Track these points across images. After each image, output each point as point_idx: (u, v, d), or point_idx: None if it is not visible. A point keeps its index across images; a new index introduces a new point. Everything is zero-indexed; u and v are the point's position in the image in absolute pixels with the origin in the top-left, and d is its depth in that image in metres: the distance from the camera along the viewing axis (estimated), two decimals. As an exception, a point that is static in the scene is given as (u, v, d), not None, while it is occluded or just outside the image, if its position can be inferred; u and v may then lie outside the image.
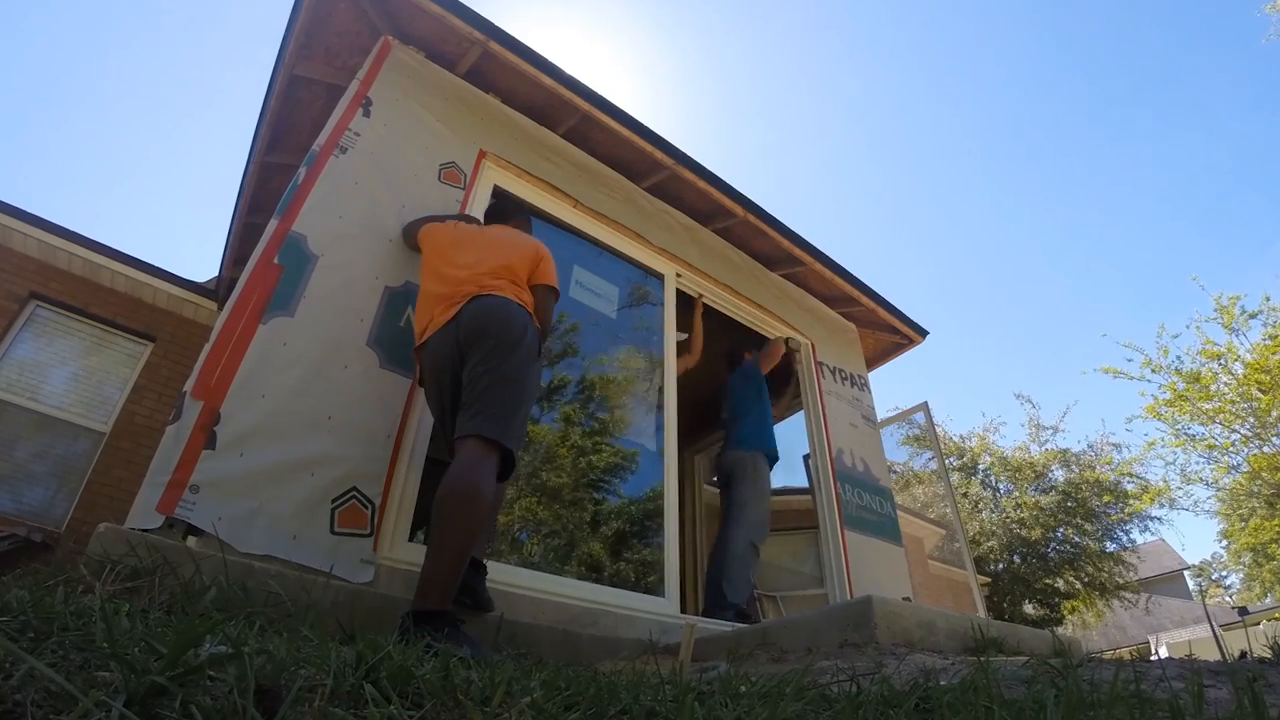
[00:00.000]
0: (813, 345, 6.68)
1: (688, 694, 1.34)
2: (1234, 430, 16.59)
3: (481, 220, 4.31)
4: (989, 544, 20.28)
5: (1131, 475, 19.75)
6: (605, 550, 4.77)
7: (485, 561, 3.28)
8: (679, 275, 5.75)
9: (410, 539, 3.36)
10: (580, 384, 5.07)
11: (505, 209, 4.23)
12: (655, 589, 4.38)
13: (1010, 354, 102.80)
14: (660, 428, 5.04)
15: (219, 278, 8.15)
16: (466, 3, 4.49)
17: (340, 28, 4.56)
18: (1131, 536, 20.50)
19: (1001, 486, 22.27)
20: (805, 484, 6.49)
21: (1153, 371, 17.18)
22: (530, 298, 3.32)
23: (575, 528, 4.72)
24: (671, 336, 5.39)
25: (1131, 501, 19.46)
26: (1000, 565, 20.36)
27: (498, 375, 2.85)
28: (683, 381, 5.35)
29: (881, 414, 7.46)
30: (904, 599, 4.12)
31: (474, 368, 2.89)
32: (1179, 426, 17.33)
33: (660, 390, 5.18)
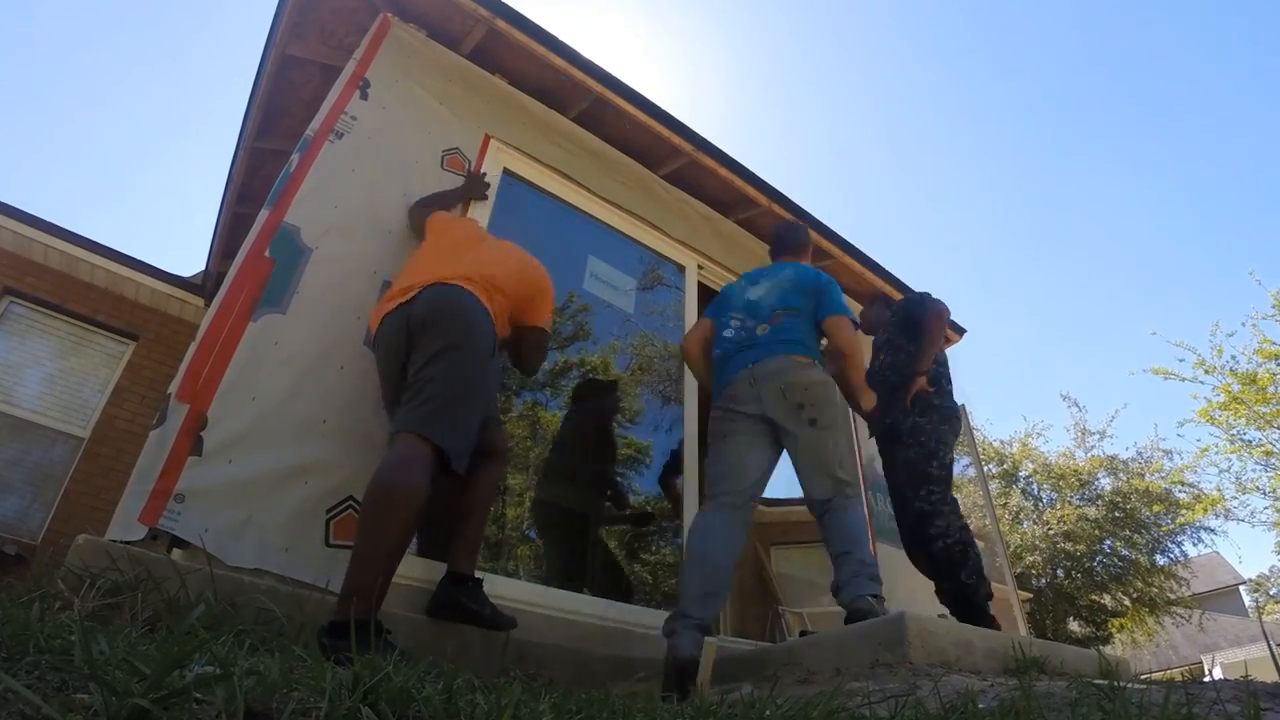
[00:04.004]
0: (842, 344, 6.64)
1: (707, 718, 1.34)
2: (1293, 436, 16.43)
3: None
4: (1031, 558, 20.18)
5: (1183, 483, 19.57)
6: (621, 552, 4.79)
7: (478, 574, 3.11)
8: (701, 268, 5.77)
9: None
10: (589, 375, 5.11)
11: None
12: (672, 604, 4.38)
13: (1055, 354, 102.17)
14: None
15: (206, 272, 8.19)
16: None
17: (336, 4, 4.56)
18: (1183, 549, 20.36)
19: (1044, 496, 22.15)
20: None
21: (1206, 372, 16.99)
22: (503, 307, 3.25)
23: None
24: (693, 329, 5.37)
25: (1183, 512, 19.29)
26: (1043, 580, 20.24)
27: (443, 372, 2.77)
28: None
29: (915, 418, 7.43)
30: (939, 616, 4.11)
31: (422, 363, 2.81)
32: (1234, 431, 17.18)
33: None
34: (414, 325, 2.93)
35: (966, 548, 4.10)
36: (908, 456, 4.40)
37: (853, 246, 6.52)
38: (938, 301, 4.85)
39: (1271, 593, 33.14)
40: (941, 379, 4.73)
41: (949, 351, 7.76)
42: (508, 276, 3.30)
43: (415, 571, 3.28)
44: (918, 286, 7.06)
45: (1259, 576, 33.55)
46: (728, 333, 3.85)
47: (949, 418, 4.52)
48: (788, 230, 4.51)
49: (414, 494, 2.49)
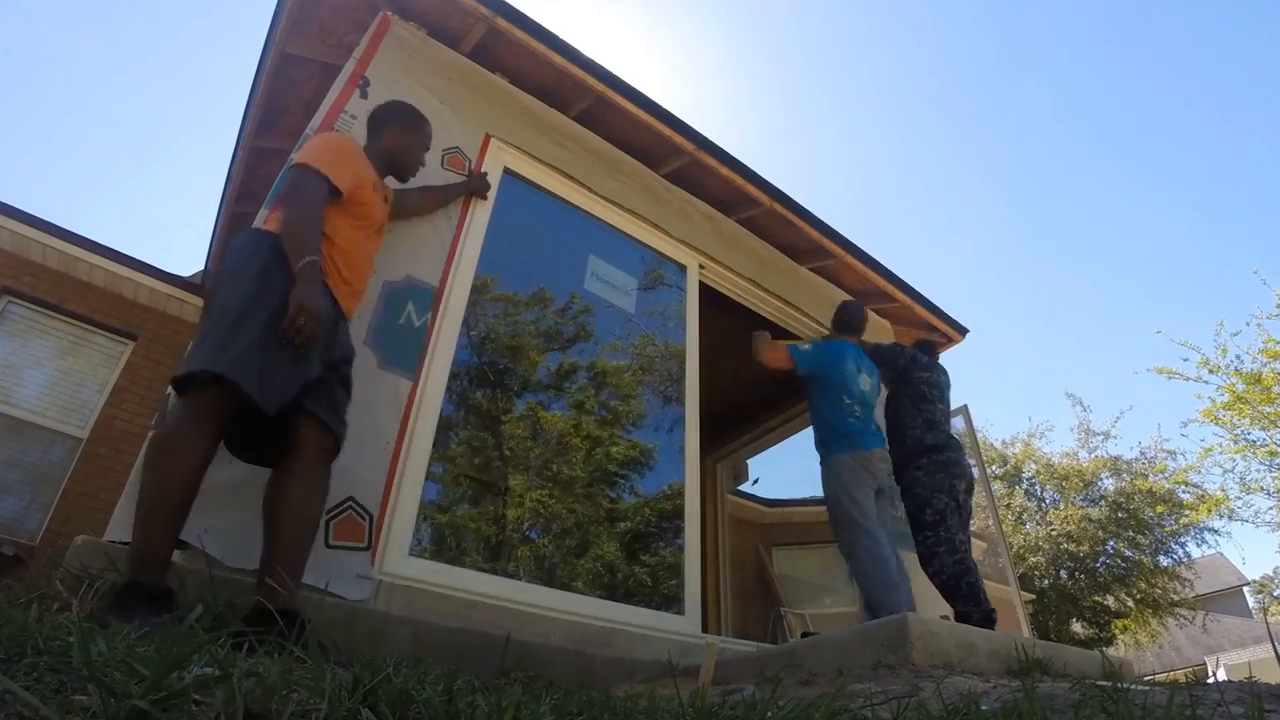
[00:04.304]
0: (844, 344, 6.63)
1: (709, 719, 1.34)
2: (1297, 436, 16.37)
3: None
4: (1034, 559, 20.18)
5: (1187, 484, 19.53)
6: (621, 555, 4.78)
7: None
8: (702, 268, 5.76)
9: (410, 553, 3.36)
10: (592, 373, 5.10)
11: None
12: (673, 605, 4.37)
13: (1058, 353, 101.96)
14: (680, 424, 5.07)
15: (205, 272, 8.18)
16: (470, -24, 4.49)
17: (336, 2, 4.56)
18: (1187, 550, 20.37)
19: (1047, 497, 22.16)
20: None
21: (1210, 372, 16.92)
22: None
23: (590, 525, 4.73)
24: (694, 329, 5.38)
25: (1187, 512, 19.26)
26: (1046, 581, 20.26)
27: (211, 310, 2.61)
28: (703, 382, 5.32)
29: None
30: (942, 617, 4.11)
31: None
32: (1238, 431, 17.11)
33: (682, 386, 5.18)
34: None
35: (958, 580, 4.52)
36: (907, 508, 5.00)
37: (854, 245, 6.51)
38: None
39: (1275, 594, 33.17)
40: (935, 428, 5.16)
41: (949, 353, 7.76)
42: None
43: (414, 572, 3.28)
44: (919, 285, 7.08)
45: (1263, 578, 33.62)
46: (856, 412, 5.07)
47: (943, 464, 4.94)
48: (857, 314, 5.67)
49: (177, 445, 2.37)
